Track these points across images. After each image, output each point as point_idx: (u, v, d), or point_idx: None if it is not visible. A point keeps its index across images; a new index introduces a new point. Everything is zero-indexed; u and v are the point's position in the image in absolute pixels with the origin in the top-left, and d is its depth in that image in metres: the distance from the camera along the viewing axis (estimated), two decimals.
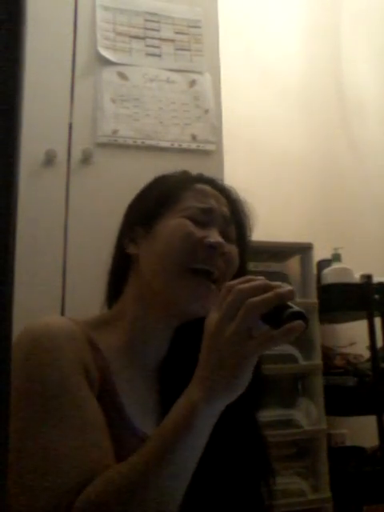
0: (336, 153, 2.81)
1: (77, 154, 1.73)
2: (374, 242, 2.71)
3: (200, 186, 0.83)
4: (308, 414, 2.03)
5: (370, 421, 2.06)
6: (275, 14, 2.83)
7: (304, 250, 2.26)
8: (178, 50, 1.94)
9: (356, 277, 2.25)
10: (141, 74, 1.87)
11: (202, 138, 1.89)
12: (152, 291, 0.78)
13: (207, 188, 0.83)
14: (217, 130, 1.92)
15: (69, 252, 1.64)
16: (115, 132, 1.79)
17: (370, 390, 2.08)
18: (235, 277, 0.79)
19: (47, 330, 0.69)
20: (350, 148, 2.86)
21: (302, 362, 2.05)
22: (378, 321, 2.19)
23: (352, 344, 2.40)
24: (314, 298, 2.16)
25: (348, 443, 2.33)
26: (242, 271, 0.81)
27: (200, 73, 1.95)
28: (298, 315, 0.59)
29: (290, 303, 0.60)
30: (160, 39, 1.92)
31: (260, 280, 0.62)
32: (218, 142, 1.91)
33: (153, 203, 0.82)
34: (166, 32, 1.94)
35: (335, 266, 2.32)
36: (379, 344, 2.17)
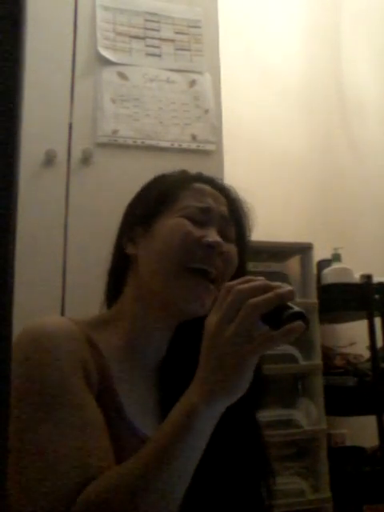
0: (336, 153, 2.81)
1: (77, 154, 1.73)
2: (373, 242, 2.71)
3: (199, 185, 0.83)
4: (308, 414, 2.03)
5: (370, 421, 2.06)
6: (275, 14, 2.83)
7: (304, 250, 2.26)
8: (177, 50, 1.94)
9: (356, 277, 2.25)
10: (141, 74, 1.87)
11: (202, 138, 1.89)
12: (151, 291, 0.78)
13: (206, 187, 0.83)
14: (217, 130, 1.92)
15: (69, 252, 1.64)
16: (115, 132, 1.79)
17: (369, 390, 2.08)
18: (234, 276, 0.79)
19: (46, 330, 0.69)
20: (349, 148, 2.86)
21: (302, 362, 2.05)
22: (378, 321, 2.19)
23: (352, 344, 2.40)
24: (313, 298, 2.16)
25: (348, 443, 2.33)
26: (241, 271, 0.81)
27: (200, 73, 1.95)
28: (299, 315, 0.58)
29: (290, 303, 0.60)
30: (160, 39, 1.92)
31: (260, 280, 0.62)
32: (218, 142, 1.91)
33: (151, 203, 0.82)
34: (166, 32, 1.94)
35: (335, 265, 2.32)
36: (379, 344, 2.17)
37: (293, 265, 2.33)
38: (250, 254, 0.86)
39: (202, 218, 0.79)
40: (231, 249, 0.80)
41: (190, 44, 1.96)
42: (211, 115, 1.92)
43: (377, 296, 2.18)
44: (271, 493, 0.79)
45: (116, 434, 0.68)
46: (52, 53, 1.76)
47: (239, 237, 0.83)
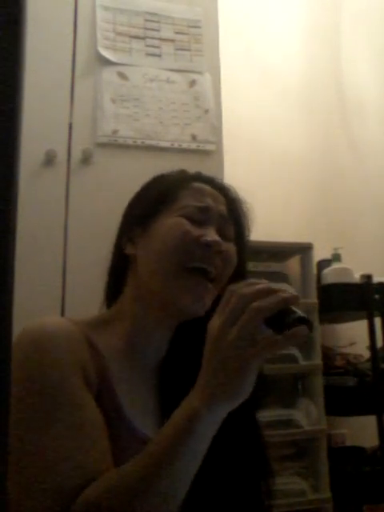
0: (336, 153, 2.81)
1: (77, 154, 1.73)
2: (373, 242, 2.71)
3: (197, 184, 0.82)
4: (308, 414, 2.03)
5: (370, 421, 2.06)
6: (275, 14, 2.83)
7: (304, 249, 2.27)
8: (177, 49, 1.94)
9: (356, 277, 2.25)
10: (141, 74, 1.87)
11: (202, 138, 1.89)
12: (150, 291, 0.78)
13: (204, 187, 0.82)
14: (217, 130, 1.92)
15: (69, 252, 1.64)
16: (115, 132, 1.79)
17: (369, 390, 2.08)
18: (233, 276, 0.79)
19: (46, 330, 0.69)
20: (349, 148, 2.86)
21: (302, 362, 2.06)
22: (378, 321, 2.19)
23: (352, 344, 2.40)
24: (314, 298, 2.16)
25: (348, 443, 2.33)
26: (240, 270, 0.81)
27: (200, 73, 1.95)
28: (302, 320, 0.58)
29: (293, 308, 0.59)
30: (160, 39, 1.92)
31: (264, 284, 0.61)
32: (218, 142, 1.91)
33: (150, 203, 0.82)
34: (166, 32, 1.94)
35: (335, 265, 2.32)
36: (379, 344, 2.17)
37: (293, 265, 2.33)
38: (249, 253, 0.86)
39: (200, 218, 0.78)
40: (230, 248, 0.80)
41: (190, 44, 1.96)
42: (211, 115, 1.92)
43: (377, 296, 2.18)
44: (271, 493, 0.79)
45: (116, 435, 0.68)
46: (52, 53, 1.76)
47: (238, 236, 0.83)
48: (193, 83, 1.93)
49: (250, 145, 2.58)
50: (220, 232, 0.79)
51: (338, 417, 2.26)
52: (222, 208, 0.81)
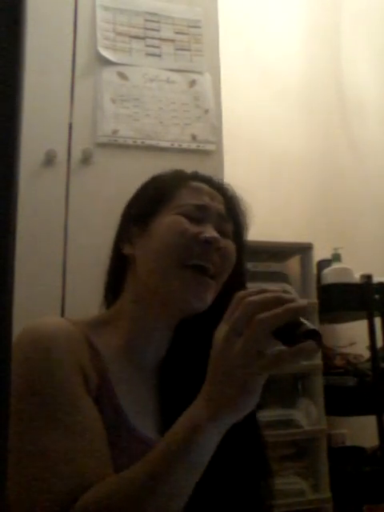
0: (336, 153, 2.81)
1: (77, 154, 1.73)
2: (373, 242, 2.71)
3: (195, 183, 0.82)
4: (308, 414, 2.03)
5: (370, 421, 2.06)
6: (275, 14, 2.83)
7: (304, 250, 2.27)
8: (178, 49, 1.94)
9: (356, 277, 2.25)
10: (141, 74, 1.87)
11: (202, 138, 1.89)
12: (149, 290, 0.78)
13: (202, 185, 0.82)
14: (217, 130, 1.92)
15: (69, 252, 1.64)
16: (115, 132, 1.79)
17: (369, 390, 2.08)
18: (232, 274, 0.79)
19: (46, 330, 0.69)
20: (350, 148, 2.85)
21: (302, 362, 2.05)
22: (378, 321, 2.19)
23: (352, 344, 2.40)
24: (313, 298, 2.16)
25: (348, 443, 2.33)
26: (239, 268, 0.81)
27: (200, 73, 1.95)
28: (311, 333, 0.55)
29: (302, 319, 0.56)
30: (160, 39, 1.92)
31: (274, 292, 0.58)
32: (218, 142, 1.91)
33: (147, 202, 0.82)
34: (166, 32, 1.94)
35: (335, 266, 2.32)
36: (379, 344, 2.17)
37: (293, 265, 2.33)
38: (248, 252, 0.86)
39: (198, 216, 0.78)
40: (229, 244, 0.79)
41: (190, 44, 1.96)
42: (211, 115, 1.92)
43: (377, 296, 2.18)
44: (271, 493, 0.79)
45: (115, 435, 0.68)
46: (52, 53, 1.76)
47: (236, 234, 0.83)
48: (193, 83, 1.93)
49: (249, 145, 2.58)
50: (218, 230, 0.78)
51: (338, 417, 2.26)
52: (220, 206, 0.81)
